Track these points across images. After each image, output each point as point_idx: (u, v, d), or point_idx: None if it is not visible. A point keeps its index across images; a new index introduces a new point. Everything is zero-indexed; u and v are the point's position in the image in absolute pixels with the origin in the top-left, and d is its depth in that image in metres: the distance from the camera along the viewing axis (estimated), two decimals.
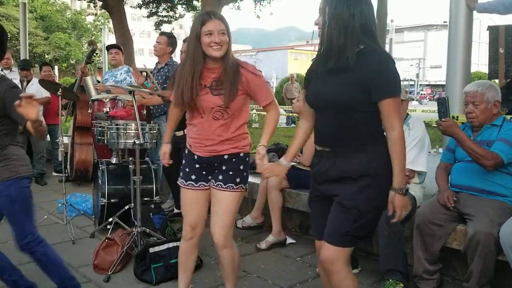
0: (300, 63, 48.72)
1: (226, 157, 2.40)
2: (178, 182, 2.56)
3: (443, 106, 2.69)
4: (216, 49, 2.25)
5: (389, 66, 1.85)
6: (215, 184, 2.43)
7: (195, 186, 2.49)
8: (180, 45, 4.19)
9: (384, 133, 1.94)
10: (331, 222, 2.00)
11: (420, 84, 42.47)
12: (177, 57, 4.66)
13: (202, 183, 2.49)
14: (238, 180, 2.40)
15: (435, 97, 32.48)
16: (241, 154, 2.43)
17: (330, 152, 1.98)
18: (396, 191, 1.91)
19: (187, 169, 2.51)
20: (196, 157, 2.46)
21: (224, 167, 2.41)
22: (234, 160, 2.41)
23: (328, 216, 2.03)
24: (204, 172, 2.48)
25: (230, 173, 2.40)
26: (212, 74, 2.34)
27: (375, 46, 1.88)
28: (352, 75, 1.85)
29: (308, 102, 2.08)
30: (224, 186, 2.40)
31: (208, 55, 2.29)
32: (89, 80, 5.57)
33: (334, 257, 1.98)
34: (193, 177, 2.49)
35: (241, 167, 2.43)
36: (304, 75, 2.18)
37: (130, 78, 4.82)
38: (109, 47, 5.34)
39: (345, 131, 1.93)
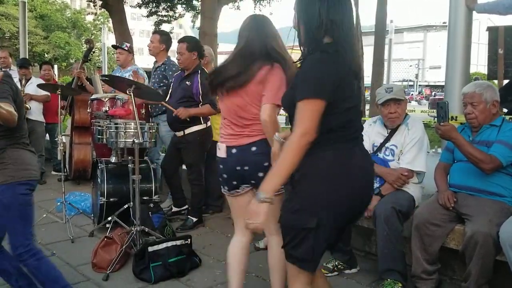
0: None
1: None
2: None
3: (442, 110, 2.69)
4: None
5: (307, 69, 1.76)
6: None
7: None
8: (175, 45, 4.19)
9: (324, 142, 1.76)
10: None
11: (420, 85, 42.48)
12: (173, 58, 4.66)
13: None
14: None
15: (428, 98, 32.39)
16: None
17: None
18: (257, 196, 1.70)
19: None
20: None
21: None
22: None
23: None
24: None
25: None
26: None
27: (319, 51, 1.75)
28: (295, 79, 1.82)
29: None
30: None
31: None
32: (97, 78, 5.60)
33: (290, 276, 1.90)
34: None
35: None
36: None
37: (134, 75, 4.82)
38: (114, 47, 5.32)
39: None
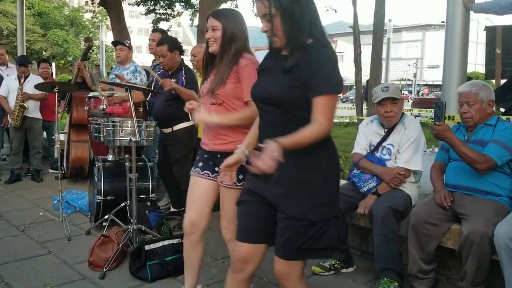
0: None
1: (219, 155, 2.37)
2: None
3: (439, 110, 2.70)
4: (210, 44, 2.37)
5: (327, 64, 1.76)
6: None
7: (200, 174, 2.50)
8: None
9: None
10: (280, 235, 1.86)
11: (418, 84, 42.53)
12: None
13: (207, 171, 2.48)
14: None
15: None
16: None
17: None
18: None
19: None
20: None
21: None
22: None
23: (258, 220, 1.94)
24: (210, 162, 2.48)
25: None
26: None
27: (323, 41, 1.80)
28: (296, 71, 1.78)
29: (252, 97, 2.00)
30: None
31: None
32: (95, 75, 5.59)
33: (287, 274, 1.89)
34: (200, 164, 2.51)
35: None
36: None
37: (136, 79, 4.81)
38: (114, 43, 5.30)
39: (286, 129, 1.77)
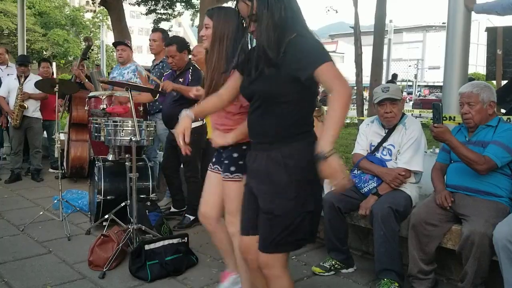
0: None
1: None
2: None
3: (437, 111, 2.70)
4: (203, 41, 2.47)
5: (311, 46, 1.79)
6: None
7: (211, 169, 2.61)
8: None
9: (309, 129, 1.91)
10: (260, 228, 1.95)
11: (419, 85, 42.52)
12: None
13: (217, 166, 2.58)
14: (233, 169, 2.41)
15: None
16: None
17: (256, 144, 1.98)
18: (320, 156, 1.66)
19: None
20: None
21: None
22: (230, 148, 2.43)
23: (252, 212, 2.02)
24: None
25: (226, 162, 2.45)
26: None
27: (305, 32, 1.83)
28: (282, 65, 1.80)
29: (241, 93, 2.06)
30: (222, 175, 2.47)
31: None
32: (95, 74, 5.59)
33: (270, 265, 1.95)
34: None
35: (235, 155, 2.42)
36: None
37: (137, 78, 4.81)
38: (115, 44, 5.29)
39: (271, 124, 1.87)
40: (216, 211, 2.62)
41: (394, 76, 16.77)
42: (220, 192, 2.56)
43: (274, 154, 1.87)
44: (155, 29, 5.22)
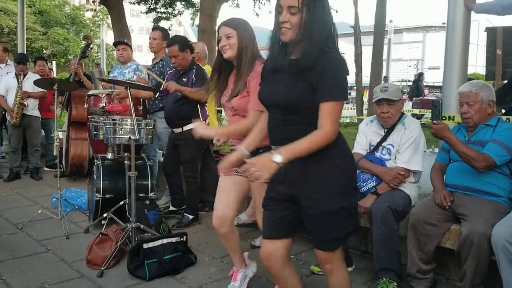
0: None
1: None
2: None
3: (436, 109, 2.69)
4: (224, 51, 2.50)
5: (338, 70, 1.83)
6: None
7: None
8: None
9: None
10: (316, 230, 1.98)
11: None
12: None
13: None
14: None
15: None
16: None
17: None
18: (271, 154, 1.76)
19: None
20: None
21: None
22: None
23: (284, 216, 2.04)
24: None
25: None
26: (234, 76, 2.56)
27: (333, 50, 1.86)
28: (307, 74, 1.82)
29: (260, 99, 2.07)
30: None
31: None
32: (96, 73, 5.59)
33: (331, 260, 2.05)
34: None
35: None
36: None
37: (137, 77, 4.81)
38: (116, 43, 5.28)
39: (296, 131, 1.87)
40: (234, 212, 2.69)
41: (420, 74, 17.11)
42: (235, 193, 2.66)
43: (316, 156, 1.85)
44: (155, 28, 5.21)
